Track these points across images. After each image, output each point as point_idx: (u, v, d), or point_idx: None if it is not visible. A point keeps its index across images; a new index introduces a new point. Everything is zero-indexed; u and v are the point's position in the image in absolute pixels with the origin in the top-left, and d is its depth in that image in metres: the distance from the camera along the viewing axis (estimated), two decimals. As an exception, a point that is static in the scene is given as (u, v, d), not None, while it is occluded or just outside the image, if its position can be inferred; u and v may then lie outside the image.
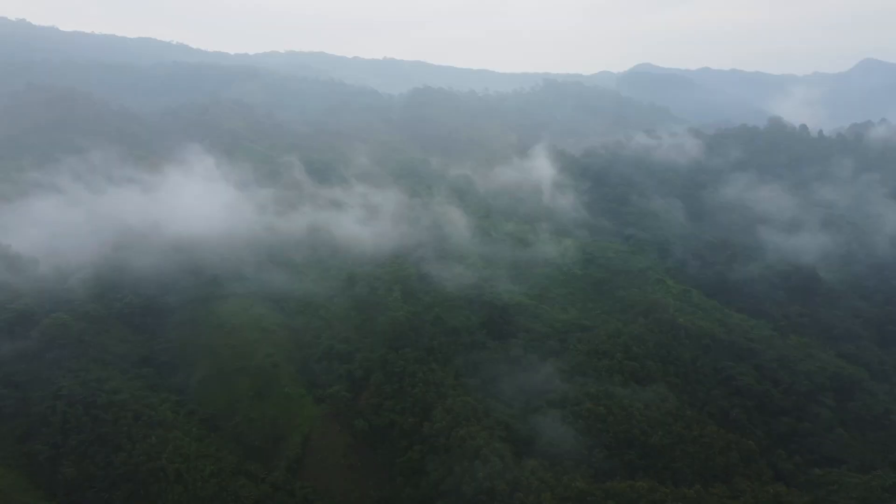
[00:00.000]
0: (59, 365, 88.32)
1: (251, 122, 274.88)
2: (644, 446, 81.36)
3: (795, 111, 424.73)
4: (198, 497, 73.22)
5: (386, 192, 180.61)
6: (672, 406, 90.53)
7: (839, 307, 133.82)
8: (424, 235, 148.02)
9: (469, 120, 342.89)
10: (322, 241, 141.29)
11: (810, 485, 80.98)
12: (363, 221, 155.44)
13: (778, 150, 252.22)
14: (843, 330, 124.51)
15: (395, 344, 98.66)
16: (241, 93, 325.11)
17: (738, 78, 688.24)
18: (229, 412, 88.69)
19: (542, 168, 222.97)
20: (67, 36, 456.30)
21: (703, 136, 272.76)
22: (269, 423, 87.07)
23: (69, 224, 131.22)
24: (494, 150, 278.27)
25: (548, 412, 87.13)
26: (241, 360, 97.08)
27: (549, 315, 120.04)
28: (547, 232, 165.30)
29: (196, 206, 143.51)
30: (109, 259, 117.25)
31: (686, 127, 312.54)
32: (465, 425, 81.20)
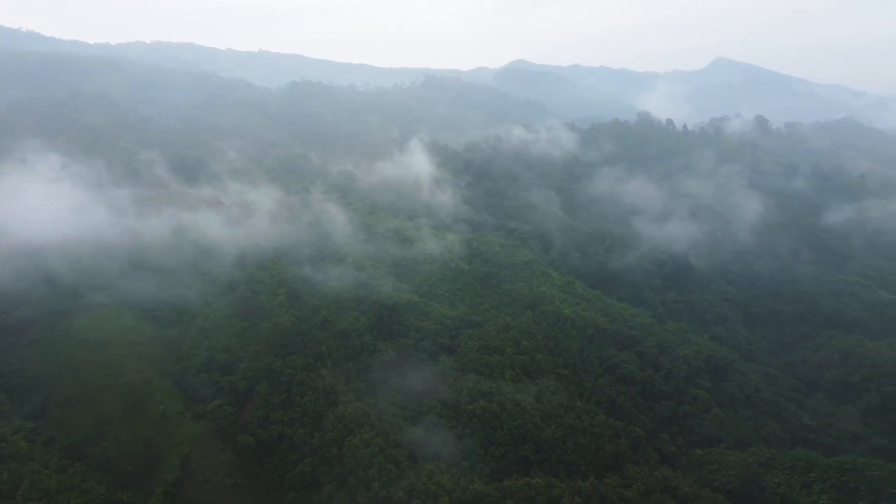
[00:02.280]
0: None
1: (114, 116, 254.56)
2: (538, 441, 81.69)
3: (660, 106, 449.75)
4: (61, 536, 65.72)
5: (264, 189, 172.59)
6: (562, 398, 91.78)
7: (709, 292, 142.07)
8: (307, 235, 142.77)
9: (350, 114, 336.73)
10: (193, 243, 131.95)
11: (693, 465, 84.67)
12: (239, 221, 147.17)
13: (647, 144, 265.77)
14: (714, 314, 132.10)
15: (281, 351, 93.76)
16: (102, 85, 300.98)
17: (606, 74, 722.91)
18: (96, 437, 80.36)
19: (424, 163, 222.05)
20: None
21: (578, 130, 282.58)
22: (143, 446, 79.75)
23: None
24: (377, 144, 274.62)
25: (442, 412, 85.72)
26: (108, 377, 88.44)
27: (438, 312, 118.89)
28: (431, 227, 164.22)
29: (45, 209, 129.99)
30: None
31: (562, 121, 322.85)
32: (358, 433, 78.17)
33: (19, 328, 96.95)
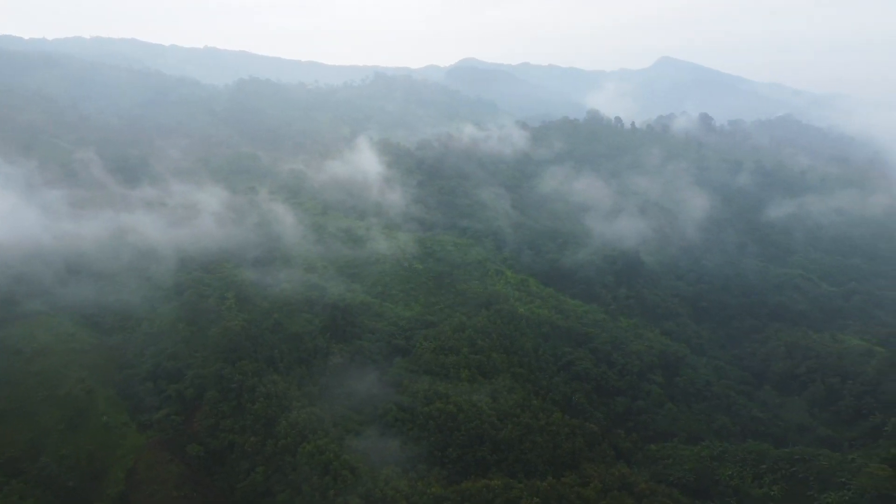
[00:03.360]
0: None
1: (52, 114, 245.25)
2: (495, 441, 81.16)
3: (608, 104, 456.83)
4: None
5: (210, 190, 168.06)
6: (519, 397, 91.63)
7: (660, 287, 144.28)
8: (256, 236, 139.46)
9: (300, 112, 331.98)
10: (135, 246, 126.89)
11: (647, 460, 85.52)
12: (185, 223, 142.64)
13: (597, 141, 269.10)
14: (664, 309, 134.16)
15: (231, 356, 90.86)
16: (39, 82, 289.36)
17: (555, 73, 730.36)
18: (34, 451, 76.29)
19: (375, 162, 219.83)
20: None
21: (529, 128, 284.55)
22: (86, 459, 76.21)
23: None
24: (327, 143, 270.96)
25: (398, 415, 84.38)
26: (46, 388, 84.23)
27: (392, 313, 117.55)
28: (383, 227, 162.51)
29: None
30: None
31: (512, 119, 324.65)
32: (311, 439, 76.26)
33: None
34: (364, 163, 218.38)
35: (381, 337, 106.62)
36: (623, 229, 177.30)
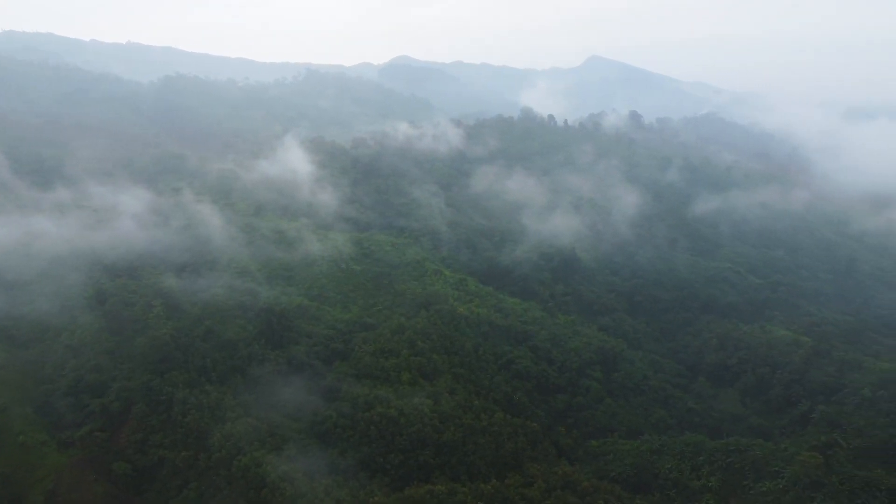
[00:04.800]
0: None
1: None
2: (437, 444, 79.88)
3: (541, 102, 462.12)
4: None
5: (134, 191, 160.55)
6: (460, 398, 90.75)
7: (596, 283, 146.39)
8: (185, 239, 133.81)
9: (229, 110, 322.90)
10: (50, 253, 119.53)
11: (589, 456, 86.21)
12: (107, 227, 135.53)
13: (531, 139, 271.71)
14: (601, 305, 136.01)
15: (160, 367, 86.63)
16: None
17: (488, 71, 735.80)
18: (-58, 477, 70.98)
19: (309, 160, 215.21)
20: None
21: (464, 126, 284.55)
22: (1, 483, 71.19)
23: None
24: (259, 141, 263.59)
25: (338, 422, 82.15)
26: (-46, 408, 78.53)
27: (330, 316, 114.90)
28: (319, 227, 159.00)
29: None
30: None
31: (447, 117, 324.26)
32: (248, 451, 73.21)
33: None
34: (297, 162, 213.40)
35: (318, 341, 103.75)
36: (558, 226, 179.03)
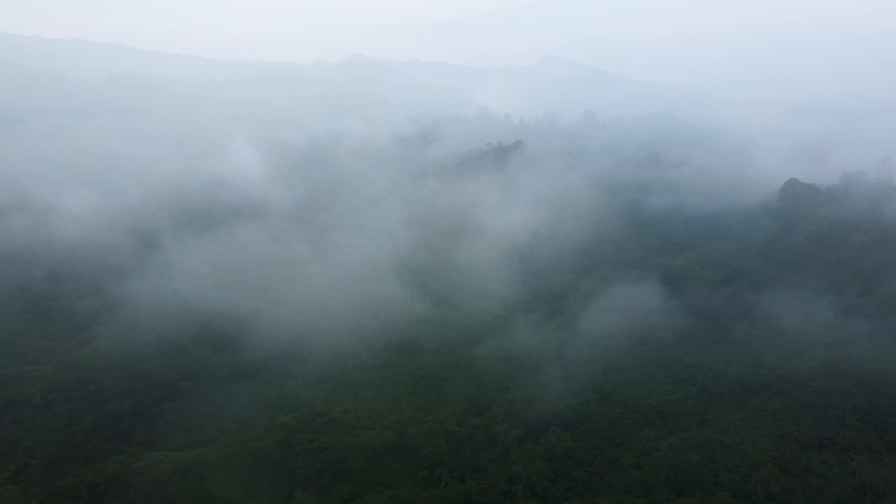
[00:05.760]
0: None
1: None
2: (398, 448, 78.47)
3: (496, 101, 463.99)
4: None
5: (77, 193, 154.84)
6: (421, 400, 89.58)
7: (553, 282, 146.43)
8: (131, 242, 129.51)
9: (179, 108, 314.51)
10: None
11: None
12: (42, 229, 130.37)
13: (487, 137, 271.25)
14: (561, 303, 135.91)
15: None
16: None
17: (443, 69, 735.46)
18: None
19: (261, 160, 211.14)
20: None
21: (420, 124, 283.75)
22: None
23: None
24: (210, 140, 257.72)
25: (296, 427, 79.95)
26: None
27: (286, 318, 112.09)
28: (272, 228, 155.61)
29: None
30: None
31: (403, 115, 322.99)
32: (195, 469, 70.56)
33: None
34: (249, 161, 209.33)
35: (274, 345, 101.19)
36: (515, 224, 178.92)
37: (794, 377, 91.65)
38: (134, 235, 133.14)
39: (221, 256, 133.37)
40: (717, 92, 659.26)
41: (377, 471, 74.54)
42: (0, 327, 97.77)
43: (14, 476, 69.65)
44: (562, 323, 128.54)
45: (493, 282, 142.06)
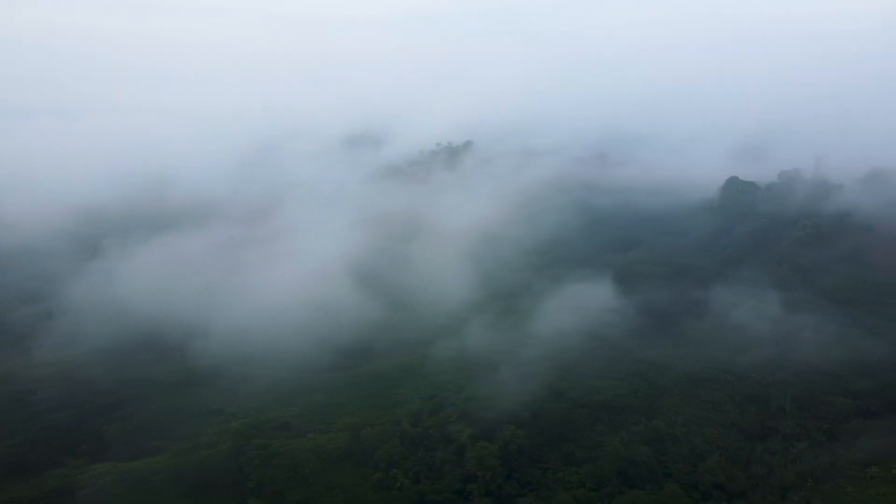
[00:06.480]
0: None
1: None
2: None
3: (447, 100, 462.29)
4: None
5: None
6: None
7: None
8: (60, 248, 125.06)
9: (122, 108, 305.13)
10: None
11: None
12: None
13: (438, 137, 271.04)
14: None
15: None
16: None
17: (394, 68, 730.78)
18: None
19: (209, 160, 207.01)
20: None
21: (370, 124, 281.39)
22: None
23: None
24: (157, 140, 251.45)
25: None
26: None
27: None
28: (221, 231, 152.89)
29: None
30: None
31: (355, 115, 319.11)
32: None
33: None
34: (197, 161, 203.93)
35: (224, 352, 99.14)
36: (468, 225, 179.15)
37: (739, 370, 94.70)
38: (74, 241, 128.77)
39: (167, 261, 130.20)
40: (659, 91, 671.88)
41: (332, 474, 73.80)
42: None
43: (-51, 494, 66.64)
44: (515, 322, 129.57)
45: (446, 282, 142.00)
